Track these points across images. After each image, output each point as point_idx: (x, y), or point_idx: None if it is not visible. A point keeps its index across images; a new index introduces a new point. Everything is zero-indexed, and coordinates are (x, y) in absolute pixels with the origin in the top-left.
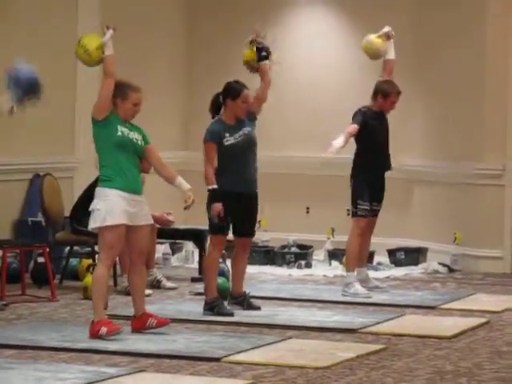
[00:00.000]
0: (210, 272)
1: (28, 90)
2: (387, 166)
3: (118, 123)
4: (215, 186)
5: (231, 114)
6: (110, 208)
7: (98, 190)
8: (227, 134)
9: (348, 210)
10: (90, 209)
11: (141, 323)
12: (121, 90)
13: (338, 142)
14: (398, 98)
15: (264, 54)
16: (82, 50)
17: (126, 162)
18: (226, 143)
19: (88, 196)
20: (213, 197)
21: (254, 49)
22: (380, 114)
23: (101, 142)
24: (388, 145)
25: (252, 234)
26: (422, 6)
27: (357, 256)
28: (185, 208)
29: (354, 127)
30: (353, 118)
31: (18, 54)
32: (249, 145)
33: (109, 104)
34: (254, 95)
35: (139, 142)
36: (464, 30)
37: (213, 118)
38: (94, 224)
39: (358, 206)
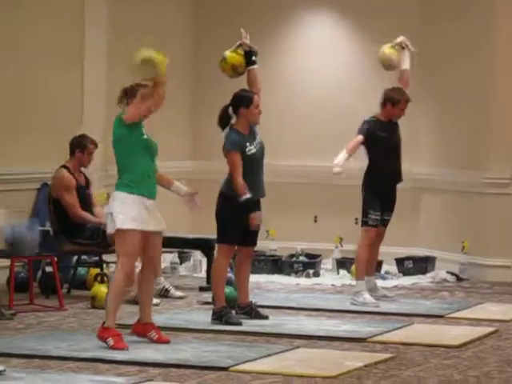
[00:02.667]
0: (217, 281)
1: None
2: (398, 178)
3: (142, 126)
4: (249, 195)
5: (245, 123)
6: (129, 213)
7: (117, 194)
8: (248, 144)
9: (356, 218)
10: (106, 211)
11: (143, 330)
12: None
13: (339, 159)
14: (407, 105)
15: (254, 58)
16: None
17: (148, 167)
18: (248, 153)
19: (56, 205)
20: (249, 206)
21: (241, 52)
22: (389, 124)
23: (126, 145)
24: (399, 157)
25: (256, 243)
26: (429, 14)
27: (365, 265)
28: (191, 208)
29: (357, 140)
30: (359, 129)
31: (26, 65)
32: (262, 152)
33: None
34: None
35: (156, 146)
36: (472, 40)
37: (222, 130)
38: (112, 227)
39: (369, 216)
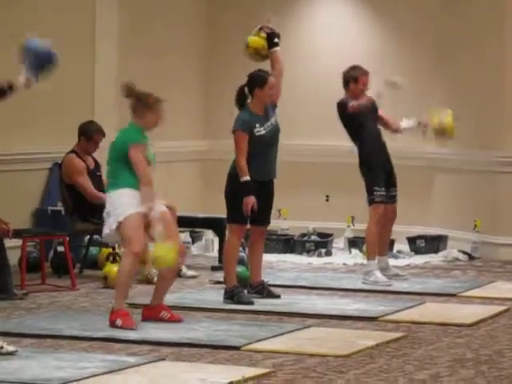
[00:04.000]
0: (229, 260)
1: (42, 61)
2: (386, 151)
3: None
4: (248, 178)
5: (259, 104)
6: (121, 203)
7: (108, 196)
8: (257, 125)
9: None
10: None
11: (153, 313)
12: (146, 102)
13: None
14: (368, 78)
15: (276, 40)
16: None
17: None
18: (257, 134)
19: (67, 187)
20: (245, 189)
21: (263, 35)
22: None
23: (120, 160)
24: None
25: (269, 222)
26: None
27: (376, 244)
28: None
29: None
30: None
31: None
32: (275, 134)
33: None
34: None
35: (152, 157)
36: (485, 25)
37: (240, 109)
38: (110, 228)
39: (375, 193)
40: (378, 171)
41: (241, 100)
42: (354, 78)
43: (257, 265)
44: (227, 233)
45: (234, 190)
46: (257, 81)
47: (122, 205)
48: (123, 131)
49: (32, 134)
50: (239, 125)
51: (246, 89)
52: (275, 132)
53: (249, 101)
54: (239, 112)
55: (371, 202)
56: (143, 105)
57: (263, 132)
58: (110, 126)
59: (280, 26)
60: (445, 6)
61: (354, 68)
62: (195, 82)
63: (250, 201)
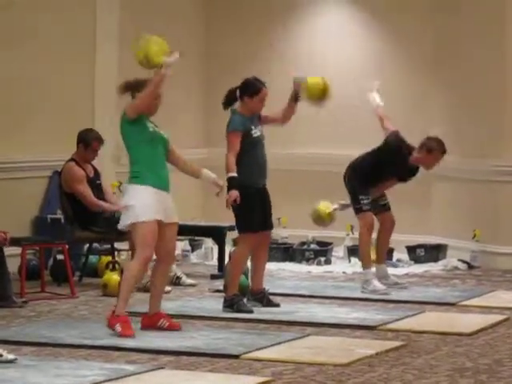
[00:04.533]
0: (236, 268)
1: None
2: None
3: (146, 120)
4: (235, 174)
5: (247, 110)
6: (144, 203)
7: (129, 187)
8: (253, 127)
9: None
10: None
11: (152, 322)
12: (144, 86)
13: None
14: (442, 157)
15: (299, 95)
16: (142, 54)
17: (158, 158)
18: (254, 135)
19: (66, 196)
20: (230, 185)
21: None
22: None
23: (132, 139)
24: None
25: (272, 226)
26: (442, 3)
27: (370, 253)
28: (217, 194)
29: (383, 116)
30: (393, 135)
31: (38, 51)
32: (263, 137)
33: (146, 108)
34: (274, 115)
35: (166, 137)
36: (483, 29)
37: (224, 109)
38: (127, 220)
39: (362, 202)
40: (362, 182)
41: (228, 102)
42: (430, 150)
43: (260, 272)
44: (238, 242)
45: (241, 198)
46: (249, 88)
47: (143, 206)
48: None
49: (32, 141)
50: (237, 126)
51: (238, 92)
52: (263, 135)
53: (236, 105)
54: (230, 117)
55: (358, 211)
56: (137, 91)
57: (258, 133)
58: (110, 131)
59: (277, 30)
60: (443, 7)
61: (441, 144)
62: (195, 90)
63: (233, 194)
